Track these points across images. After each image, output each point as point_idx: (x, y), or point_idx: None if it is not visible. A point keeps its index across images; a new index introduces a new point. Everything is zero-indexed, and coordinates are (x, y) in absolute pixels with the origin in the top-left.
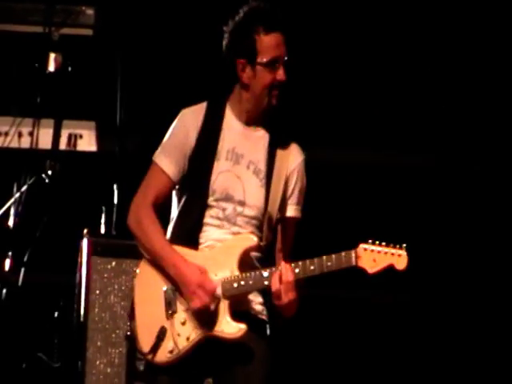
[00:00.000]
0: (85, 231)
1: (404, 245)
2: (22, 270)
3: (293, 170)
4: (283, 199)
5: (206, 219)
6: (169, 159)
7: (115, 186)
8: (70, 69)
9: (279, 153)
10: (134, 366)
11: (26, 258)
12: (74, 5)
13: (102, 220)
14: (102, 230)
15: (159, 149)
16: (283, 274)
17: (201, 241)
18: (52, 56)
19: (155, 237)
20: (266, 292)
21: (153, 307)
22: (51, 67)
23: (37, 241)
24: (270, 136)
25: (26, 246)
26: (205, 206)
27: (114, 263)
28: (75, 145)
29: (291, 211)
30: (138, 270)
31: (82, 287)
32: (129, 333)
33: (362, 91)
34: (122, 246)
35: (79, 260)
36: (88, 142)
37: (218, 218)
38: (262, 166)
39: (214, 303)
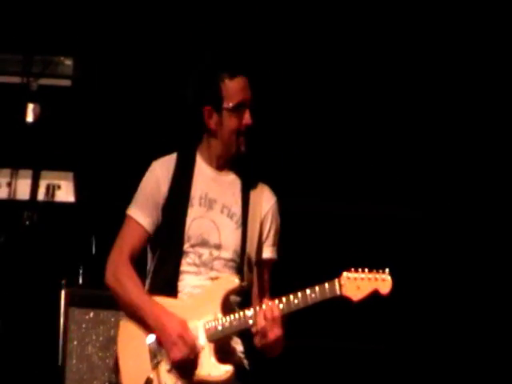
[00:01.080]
0: (62, 282)
1: (387, 269)
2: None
3: (267, 212)
4: (259, 242)
5: (183, 267)
6: (142, 211)
7: (93, 237)
8: (47, 119)
9: (252, 196)
10: None
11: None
12: (53, 55)
13: (80, 271)
14: (80, 281)
15: (132, 202)
16: (268, 311)
17: (179, 289)
18: (30, 106)
19: (134, 291)
20: (246, 340)
21: (137, 359)
22: (29, 118)
23: (15, 291)
24: (241, 180)
25: (3, 297)
26: (181, 254)
27: (91, 314)
28: (53, 195)
29: (268, 253)
30: (120, 325)
31: (59, 337)
32: None
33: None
34: (100, 297)
35: (57, 310)
36: (66, 193)
37: (195, 265)
38: (236, 210)
39: (194, 354)
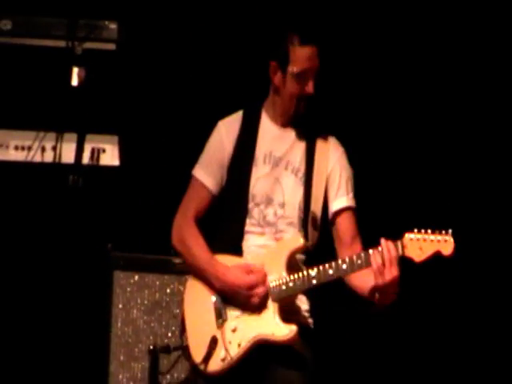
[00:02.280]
0: (108, 245)
1: (450, 230)
2: None
3: (334, 164)
4: (328, 196)
5: (248, 227)
6: (207, 173)
7: (139, 201)
8: (92, 83)
9: (318, 150)
10: (156, 381)
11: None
12: (97, 19)
13: (125, 234)
14: (125, 245)
15: (198, 162)
16: (385, 251)
17: (244, 249)
18: (75, 70)
19: (198, 252)
20: (312, 299)
21: (203, 318)
22: (74, 81)
23: (61, 255)
24: (306, 135)
25: (49, 260)
26: (245, 213)
27: (136, 277)
28: (98, 159)
29: (343, 202)
30: (186, 286)
31: (105, 301)
32: (183, 343)
33: None
34: (145, 261)
35: (103, 274)
36: (111, 157)
37: (259, 225)
38: (301, 165)
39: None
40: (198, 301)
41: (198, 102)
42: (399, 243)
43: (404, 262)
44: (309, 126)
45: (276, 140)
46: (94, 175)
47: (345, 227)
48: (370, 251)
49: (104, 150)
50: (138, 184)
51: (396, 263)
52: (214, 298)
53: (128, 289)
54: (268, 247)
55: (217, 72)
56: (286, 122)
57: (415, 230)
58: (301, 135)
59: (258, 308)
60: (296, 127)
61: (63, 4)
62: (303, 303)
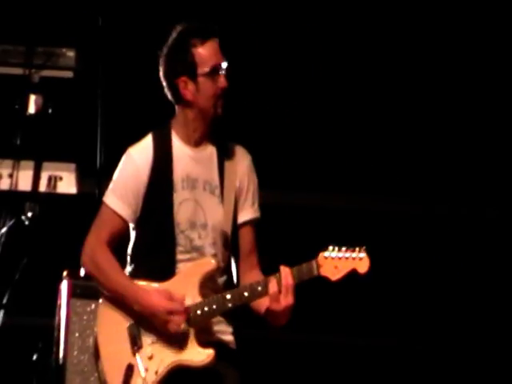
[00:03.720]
0: (64, 273)
1: (364, 247)
2: (1, 312)
3: (242, 175)
4: (236, 210)
5: (178, 255)
6: (123, 201)
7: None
8: (50, 111)
9: (227, 163)
10: None
11: (4, 301)
12: (55, 47)
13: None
14: (82, 273)
15: (109, 191)
16: (283, 278)
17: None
18: (32, 98)
19: (116, 277)
20: (235, 320)
21: (118, 345)
22: (31, 109)
23: (16, 283)
24: (217, 150)
25: (4, 289)
26: (174, 242)
27: (93, 305)
28: (55, 187)
29: (249, 214)
30: (98, 311)
31: (61, 329)
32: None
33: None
34: None
35: (59, 302)
36: (68, 184)
37: (187, 252)
38: (217, 183)
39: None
40: (112, 327)
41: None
42: (314, 263)
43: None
44: (218, 140)
45: (191, 161)
46: (51, 203)
47: (246, 238)
48: (228, 295)
49: (61, 178)
50: (96, 212)
51: (292, 291)
52: (128, 324)
53: (84, 317)
54: (181, 271)
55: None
56: (199, 139)
57: (330, 248)
58: (213, 151)
59: (174, 334)
60: (208, 143)
61: (20, 31)
62: (223, 323)
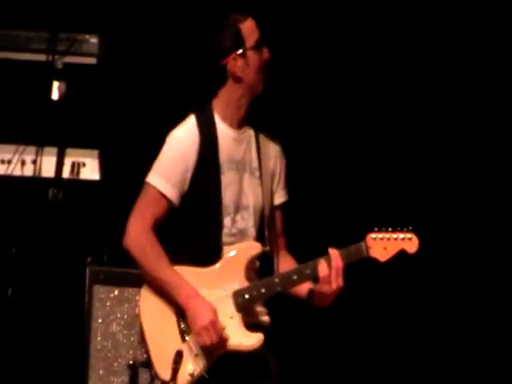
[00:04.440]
0: (88, 260)
1: (411, 227)
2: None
3: (275, 158)
4: (272, 192)
5: (224, 238)
6: (170, 183)
7: (119, 215)
8: (73, 97)
9: (263, 146)
10: None
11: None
12: (78, 33)
13: (105, 248)
14: (105, 259)
15: (155, 171)
16: (333, 260)
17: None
18: (55, 84)
19: (161, 263)
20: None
21: (166, 332)
22: (55, 95)
23: (40, 269)
24: (254, 133)
25: (30, 275)
26: (220, 227)
27: (116, 292)
28: (78, 173)
29: (282, 197)
30: (141, 296)
31: (84, 315)
32: (144, 358)
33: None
34: (125, 275)
35: (82, 288)
36: (91, 171)
37: (232, 235)
38: (256, 163)
39: (221, 342)
40: (158, 313)
41: (179, 115)
42: (363, 244)
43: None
44: (253, 125)
45: (234, 143)
46: (74, 189)
47: (279, 221)
48: (276, 278)
49: (84, 164)
50: (119, 198)
51: (342, 274)
52: (174, 310)
53: (108, 303)
54: (226, 255)
55: (196, 85)
56: (241, 120)
57: (376, 230)
58: (251, 135)
59: (223, 318)
60: (247, 125)
61: (43, 17)
62: (263, 306)
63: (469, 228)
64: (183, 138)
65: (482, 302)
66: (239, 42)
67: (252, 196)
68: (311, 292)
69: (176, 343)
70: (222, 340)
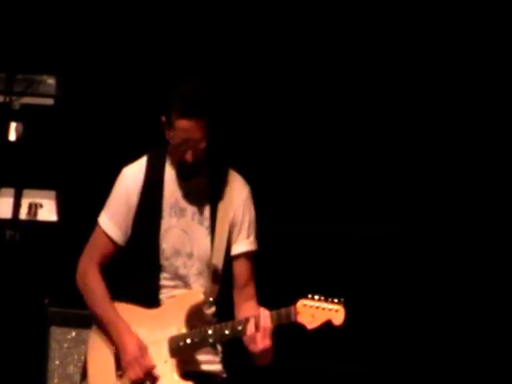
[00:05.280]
0: (45, 301)
1: (342, 299)
2: None
3: (237, 208)
4: (230, 240)
5: (162, 281)
6: (114, 223)
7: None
8: (30, 138)
9: (222, 196)
10: None
11: None
12: (35, 74)
13: (62, 290)
14: (62, 300)
15: (103, 210)
16: (262, 320)
17: (163, 301)
18: (13, 125)
19: (101, 301)
20: (222, 349)
21: (104, 367)
22: (12, 136)
23: None
24: (211, 179)
25: None
26: (158, 268)
27: (73, 333)
28: (36, 214)
29: (243, 246)
30: (90, 333)
31: (41, 356)
32: None
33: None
34: (82, 316)
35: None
36: (48, 212)
37: (172, 278)
38: (207, 212)
39: (149, 379)
40: (101, 350)
41: (136, 155)
42: (292, 309)
43: None
44: (212, 171)
45: (181, 190)
46: (32, 230)
47: (240, 270)
48: (210, 330)
49: (41, 205)
50: (75, 239)
51: (269, 334)
52: (113, 349)
53: (65, 344)
54: (169, 300)
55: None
56: (189, 171)
57: (309, 296)
58: (205, 180)
59: (157, 360)
60: (199, 174)
61: (0, 59)
62: (209, 352)
63: None
64: (129, 176)
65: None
66: (169, 121)
67: (198, 245)
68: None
69: (112, 380)
70: (150, 377)
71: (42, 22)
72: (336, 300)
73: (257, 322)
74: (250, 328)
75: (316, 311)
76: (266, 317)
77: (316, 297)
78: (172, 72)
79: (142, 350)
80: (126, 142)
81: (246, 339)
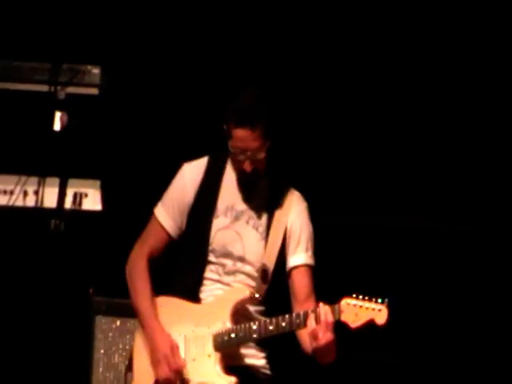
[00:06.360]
0: (90, 290)
1: (386, 299)
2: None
3: (294, 219)
4: (286, 251)
5: (207, 274)
6: (168, 215)
7: (121, 245)
8: (75, 127)
9: (280, 203)
10: None
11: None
12: (80, 64)
13: (107, 279)
14: (107, 290)
15: (160, 201)
16: (322, 315)
17: (202, 296)
18: (57, 115)
19: (140, 294)
20: (269, 345)
21: (149, 360)
22: (57, 126)
23: (42, 299)
24: (270, 188)
25: (31, 305)
26: (204, 265)
27: (118, 322)
28: (80, 204)
29: (302, 258)
30: (138, 327)
31: (86, 346)
32: None
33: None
34: (127, 306)
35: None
36: (93, 201)
37: (218, 274)
38: (263, 220)
39: (177, 379)
40: (146, 344)
41: (181, 146)
42: (336, 307)
43: None
44: (274, 178)
45: (240, 193)
46: (76, 220)
47: (300, 284)
48: (254, 325)
49: (86, 195)
50: (120, 229)
51: (331, 328)
52: None
53: (110, 334)
54: (216, 295)
55: (200, 117)
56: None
57: (353, 296)
58: (265, 188)
59: (201, 355)
60: (259, 180)
61: (46, 49)
62: (253, 347)
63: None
64: (187, 173)
65: None
66: (228, 132)
67: (250, 249)
68: (313, 349)
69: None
70: (180, 377)
71: (87, 11)
72: (380, 300)
73: (317, 317)
74: (311, 323)
75: (360, 310)
76: (326, 311)
77: (360, 296)
78: (218, 67)
79: (173, 349)
80: (170, 132)
81: (304, 337)
